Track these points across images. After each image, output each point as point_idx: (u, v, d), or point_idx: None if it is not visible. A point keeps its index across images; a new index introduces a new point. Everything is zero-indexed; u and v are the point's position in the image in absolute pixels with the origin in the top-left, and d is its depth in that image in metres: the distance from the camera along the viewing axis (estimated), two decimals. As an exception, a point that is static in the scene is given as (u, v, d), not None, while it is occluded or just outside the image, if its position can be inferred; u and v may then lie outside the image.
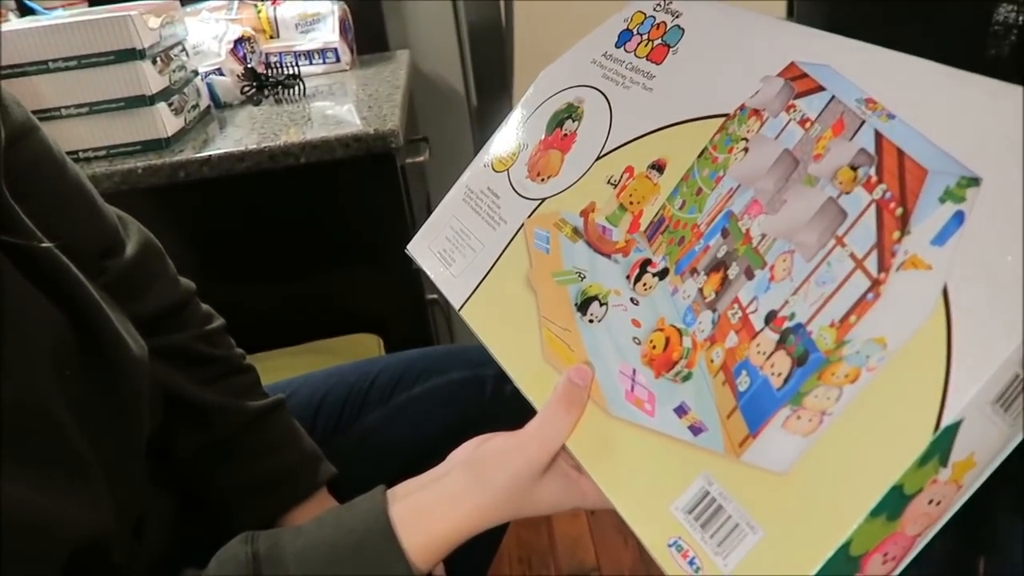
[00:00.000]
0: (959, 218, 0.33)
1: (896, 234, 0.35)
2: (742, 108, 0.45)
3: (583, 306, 0.47)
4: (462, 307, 0.54)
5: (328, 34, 1.33)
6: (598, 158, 0.51)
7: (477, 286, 0.54)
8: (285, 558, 0.42)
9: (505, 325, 0.50)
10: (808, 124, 0.41)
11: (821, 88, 0.41)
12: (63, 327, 0.46)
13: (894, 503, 0.31)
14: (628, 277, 0.46)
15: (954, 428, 0.30)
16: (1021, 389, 0.31)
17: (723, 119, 0.45)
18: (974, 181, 0.33)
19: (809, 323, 0.36)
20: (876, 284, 0.35)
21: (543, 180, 0.54)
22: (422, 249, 0.59)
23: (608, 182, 0.50)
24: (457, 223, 0.58)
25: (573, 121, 0.55)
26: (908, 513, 0.32)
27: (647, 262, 0.45)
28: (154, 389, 0.54)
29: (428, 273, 0.58)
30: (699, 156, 0.46)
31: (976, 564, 0.58)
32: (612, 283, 0.46)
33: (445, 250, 0.58)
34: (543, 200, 0.53)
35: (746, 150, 0.43)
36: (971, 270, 0.32)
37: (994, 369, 0.30)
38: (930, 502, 0.32)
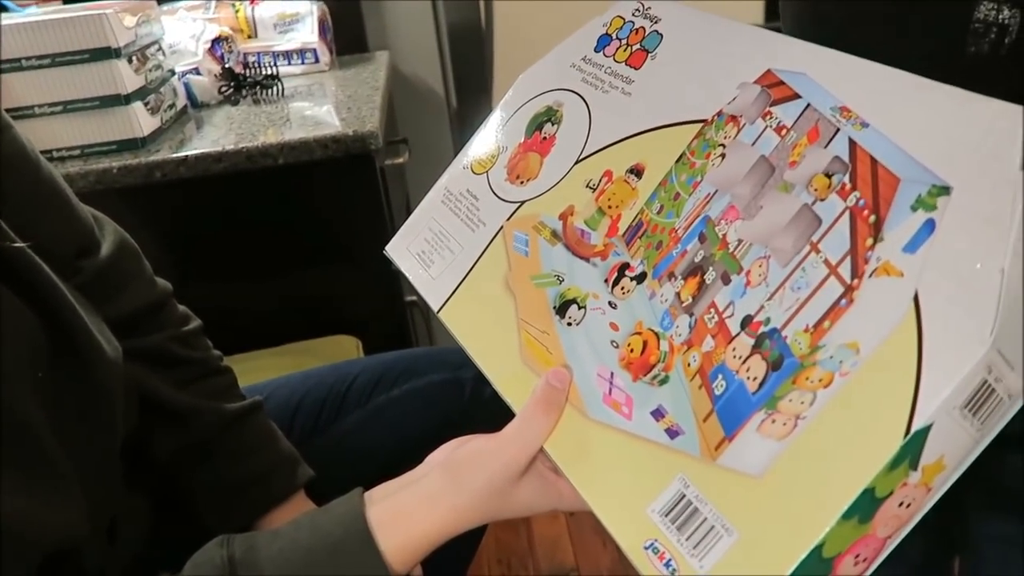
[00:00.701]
0: (930, 226, 0.34)
1: (869, 241, 0.35)
2: (719, 114, 0.45)
3: (561, 309, 0.47)
4: (441, 309, 0.54)
5: (307, 34, 1.33)
6: (577, 162, 0.52)
7: (456, 288, 0.54)
8: (261, 562, 0.42)
9: (484, 327, 0.51)
10: (784, 131, 0.42)
11: (797, 96, 0.42)
12: (36, 328, 0.45)
13: (866, 506, 0.32)
14: (606, 281, 0.46)
15: (924, 432, 0.31)
16: (989, 394, 0.32)
17: (701, 125, 0.46)
18: (945, 190, 0.34)
19: (784, 328, 0.37)
20: (850, 290, 0.35)
21: (522, 183, 0.54)
22: (401, 251, 0.59)
23: (587, 186, 0.50)
24: (436, 225, 0.58)
25: (552, 124, 0.55)
26: (879, 515, 0.32)
27: (625, 266, 0.46)
28: (129, 391, 0.54)
29: (407, 275, 0.58)
30: (677, 161, 0.46)
31: (951, 564, 0.59)
32: (590, 287, 0.47)
33: (424, 252, 0.58)
34: (522, 203, 0.53)
35: (723, 156, 0.44)
36: (942, 277, 0.33)
37: (963, 375, 0.30)
38: (900, 504, 0.33)
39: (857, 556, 0.33)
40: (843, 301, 0.35)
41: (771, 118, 0.43)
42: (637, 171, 0.48)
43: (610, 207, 0.48)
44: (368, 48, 1.49)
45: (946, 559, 0.48)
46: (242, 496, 0.59)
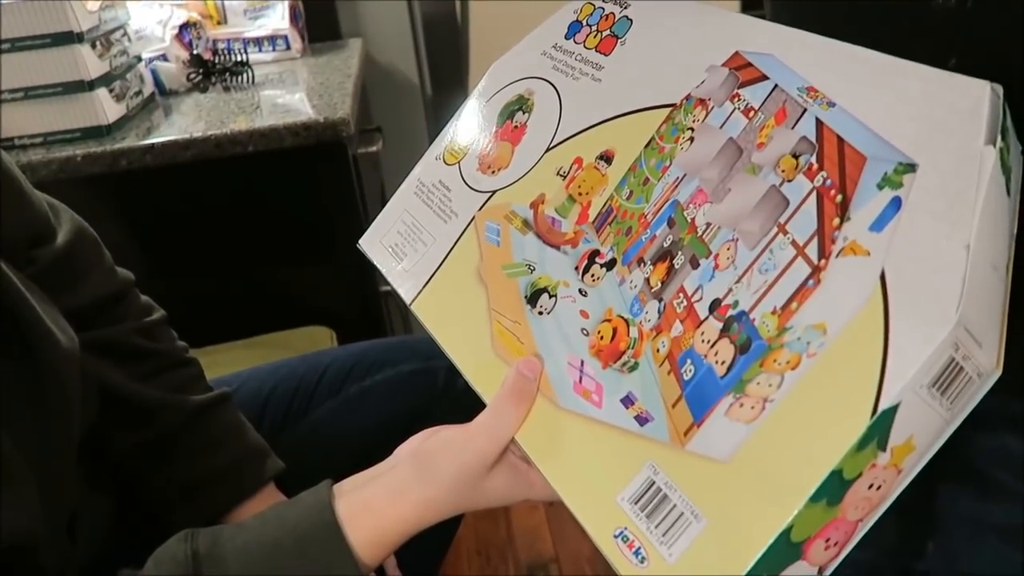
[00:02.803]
0: (896, 204, 0.34)
1: (836, 221, 0.35)
2: (688, 98, 0.45)
3: (532, 298, 0.46)
4: (413, 301, 0.53)
5: (278, 21, 1.32)
6: (548, 149, 0.51)
7: (428, 280, 0.53)
8: (226, 556, 0.41)
9: (455, 319, 0.50)
10: (752, 113, 0.41)
11: (764, 77, 0.42)
12: None
13: (834, 488, 0.31)
14: (577, 268, 0.45)
15: (891, 412, 0.31)
16: (957, 372, 0.31)
17: (670, 109, 0.45)
18: (911, 167, 0.34)
19: (752, 311, 0.36)
20: (817, 271, 0.35)
21: (493, 173, 0.54)
22: (374, 244, 0.58)
23: (558, 173, 0.49)
24: (409, 217, 0.57)
25: (523, 113, 0.54)
26: (849, 498, 0.32)
27: (595, 253, 0.45)
28: (87, 383, 0.52)
29: (380, 268, 0.57)
30: (646, 146, 0.45)
31: (926, 547, 0.59)
32: (561, 275, 0.46)
33: (396, 244, 0.57)
34: (494, 193, 0.53)
35: (692, 139, 0.43)
36: (908, 255, 0.32)
37: (928, 353, 0.30)
38: (870, 487, 0.32)
39: (828, 540, 0.33)
40: (810, 282, 0.35)
41: (739, 100, 0.42)
42: (607, 157, 0.47)
43: (580, 194, 0.48)
44: (341, 35, 1.47)
45: (922, 543, 0.48)
46: (210, 490, 0.58)
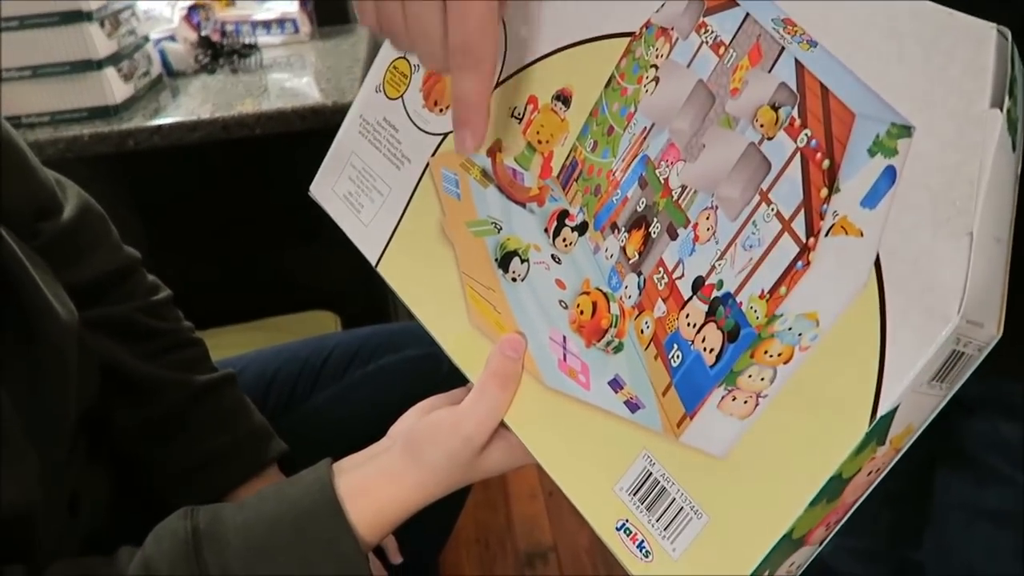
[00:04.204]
0: (891, 175, 0.30)
1: (824, 192, 0.32)
2: (648, 26, 0.39)
3: (503, 262, 0.44)
4: (379, 262, 0.50)
5: (287, 4, 1.30)
6: (497, 84, 0.46)
7: (390, 238, 0.50)
8: (227, 533, 0.41)
9: (425, 283, 0.47)
10: (722, 49, 0.36)
11: (734, 3, 0.36)
12: None
13: (833, 489, 0.31)
14: (546, 231, 0.42)
15: (890, 414, 0.29)
16: (958, 359, 0.30)
17: (628, 39, 0.40)
18: (906, 130, 0.30)
19: (738, 293, 0.34)
20: (805, 251, 0.32)
21: (441, 111, 0.49)
22: (326, 192, 0.54)
23: (512, 115, 0.45)
24: (359, 161, 0.53)
25: (464, 36, 0.48)
26: (848, 490, 0.32)
27: (564, 214, 0.42)
28: (87, 358, 0.52)
29: (338, 222, 0.53)
30: (606, 86, 0.40)
31: (921, 537, 0.60)
32: (530, 237, 0.43)
33: (351, 193, 0.53)
34: (445, 135, 0.48)
35: (656, 80, 0.38)
36: (904, 239, 0.29)
37: (930, 354, 0.28)
38: (869, 473, 0.32)
39: (827, 525, 0.33)
40: (799, 263, 0.32)
41: (706, 31, 0.37)
42: (564, 98, 0.42)
43: (540, 142, 0.43)
44: (349, 20, 1.45)
45: (918, 531, 0.49)
46: (212, 469, 0.58)
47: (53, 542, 0.46)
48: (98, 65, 0.94)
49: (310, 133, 0.95)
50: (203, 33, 1.17)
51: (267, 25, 1.29)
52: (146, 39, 1.09)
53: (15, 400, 0.43)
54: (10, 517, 0.41)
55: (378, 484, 0.43)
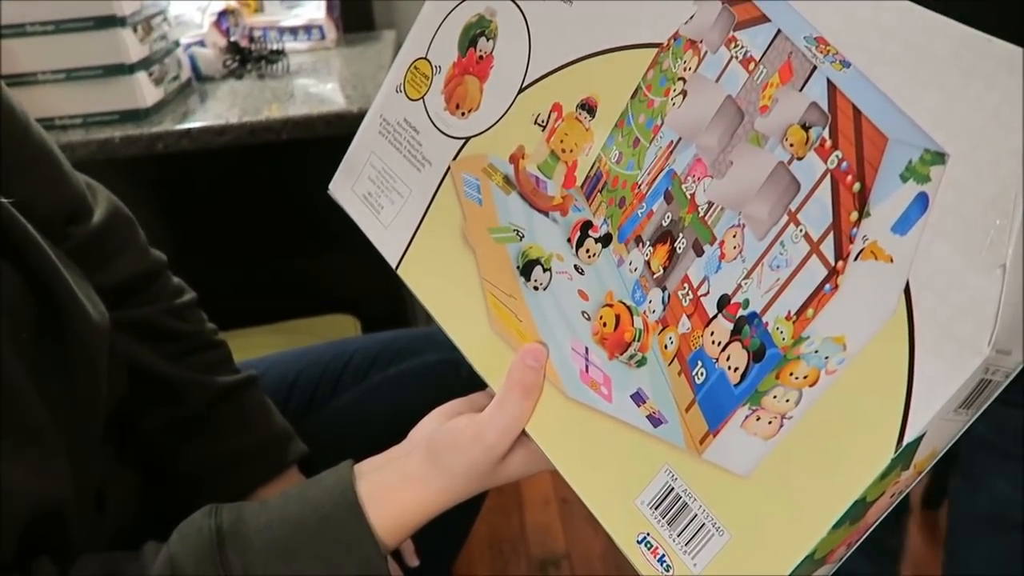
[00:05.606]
0: (923, 202, 0.30)
1: (854, 215, 0.32)
2: (676, 37, 0.39)
3: (525, 270, 0.44)
4: (399, 265, 0.50)
5: (314, 11, 1.32)
6: (520, 90, 0.45)
7: (411, 240, 0.50)
8: (249, 532, 0.42)
9: (445, 287, 0.47)
10: (752, 65, 0.36)
11: (765, 18, 0.36)
12: (19, 288, 0.45)
13: (857, 511, 0.31)
14: (569, 240, 0.42)
15: (916, 441, 0.30)
16: (985, 387, 0.30)
17: (656, 50, 0.40)
18: (939, 157, 0.30)
19: (764, 313, 0.34)
20: (834, 274, 0.32)
21: (463, 114, 0.48)
22: (345, 191, 0.54)
23: (535, 122, 0.44)
24: (378, 161, 0.53)
25: (487, 40, 0.48)
26: (871, 512, 0.32)
27: (588, 224, 0.42)
28: (116, 358, 0.53)
29: (357, 223, 0.53)
30: (633, 97, 0.40)
31: (904, 521, 0.59)
32: (553, 246, 0.43)
33: (371, 194, 0.53)
34: (467, 139, 0.48)
35: (684, 93, 0.38)
36: (935, 268, 0.29)
37: (959, 385, 0.28)
38: (892, 496, 0.32)
39: (848, 545, 0.33)
40: (827, 287, 0.32)
41: (736, 46, 0.37)
42: (589, 107, 0.42)
43: (564, 151, 0.43)
44: (375, 27, 1.47)
45: (897, 517, 0.49)
46: (234, 470, 0.59)
47: (81, 538, 0.47)
48: (130, 69, 0.96)
49: (335, 139, 0.96)
50: (232, 39, 1.19)
51: (294, 31, 1.31)
52: (176, 44, 1.11)
53: (48, 399, 0.44)
54: (41, 513, 0.42)
55: (399, 488, 0.44)
